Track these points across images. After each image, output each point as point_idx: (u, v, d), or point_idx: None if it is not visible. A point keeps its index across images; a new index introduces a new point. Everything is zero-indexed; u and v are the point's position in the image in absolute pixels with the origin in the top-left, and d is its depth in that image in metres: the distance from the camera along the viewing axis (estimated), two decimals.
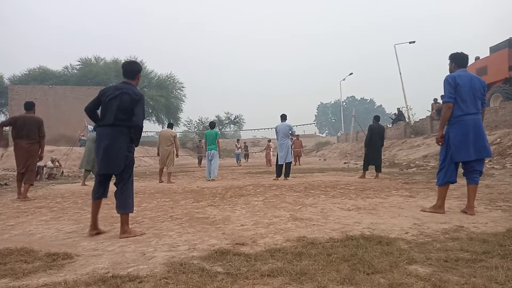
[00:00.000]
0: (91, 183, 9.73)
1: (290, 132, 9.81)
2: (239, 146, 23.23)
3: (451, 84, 4.14)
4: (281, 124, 9.90)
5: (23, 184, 6.83)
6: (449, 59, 4.44)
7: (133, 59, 41.88)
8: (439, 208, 4.28)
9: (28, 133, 6.72)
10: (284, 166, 9.86)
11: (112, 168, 3.57)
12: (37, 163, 12.01)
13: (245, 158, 24.97)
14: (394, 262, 2.44)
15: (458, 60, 4.35)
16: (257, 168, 17.07)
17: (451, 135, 4.20)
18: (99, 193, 3.68)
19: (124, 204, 3.56)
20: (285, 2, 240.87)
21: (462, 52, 4.37)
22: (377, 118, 10.10)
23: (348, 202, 5.38)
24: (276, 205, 5.23)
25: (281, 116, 10.00)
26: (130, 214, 3.65)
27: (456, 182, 4.33)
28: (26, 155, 6.78)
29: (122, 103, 3.53)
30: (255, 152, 28.52)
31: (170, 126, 10.99)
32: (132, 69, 3.82)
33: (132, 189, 3.66)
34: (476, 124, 4.13)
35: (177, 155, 10.61)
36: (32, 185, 7.05)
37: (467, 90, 4.10)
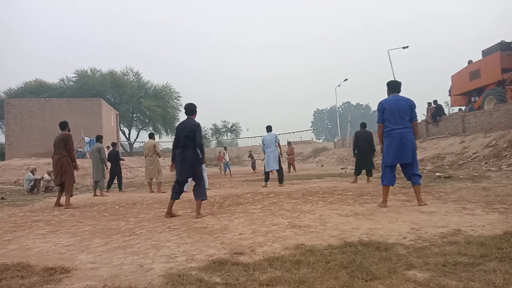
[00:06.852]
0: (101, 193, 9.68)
1: (276, 141, 10.35)
2: (222, 155, 20.98)
3: (379, 109, 5.35)
4: (268, 135, 10.47)
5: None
6: (386, 85, 5.50)
7: (130, 70, 42.19)
8: (383, 203, 5.28)
9: (57, 148, 7.57)
10: (277, 173, 10.33)
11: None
12: (34, 176, 12.02)
13: (253, 168, 23.74)
14: (392, 268, 2.44)
15: (391, 87, 5.43)
16: (255, 176, 17.05)
17: (383, 145, 5.32)
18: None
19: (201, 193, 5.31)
20: (278, 8, 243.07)
21: (395, 80, 5.57)
22: (363, 125, 10.66)
23: (346, 208, 5.38)
24: (274, 213, 5.22)
25: (266, 127, 10.63)
26: (127, 226, 3.81)
27: (393, 185, 5.45)
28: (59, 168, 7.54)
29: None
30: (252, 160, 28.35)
31: (151, 136, 10.90)
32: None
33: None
34: (403, 135, 5.13)
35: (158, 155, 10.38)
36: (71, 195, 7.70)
37: (393, 111, 5.18)
